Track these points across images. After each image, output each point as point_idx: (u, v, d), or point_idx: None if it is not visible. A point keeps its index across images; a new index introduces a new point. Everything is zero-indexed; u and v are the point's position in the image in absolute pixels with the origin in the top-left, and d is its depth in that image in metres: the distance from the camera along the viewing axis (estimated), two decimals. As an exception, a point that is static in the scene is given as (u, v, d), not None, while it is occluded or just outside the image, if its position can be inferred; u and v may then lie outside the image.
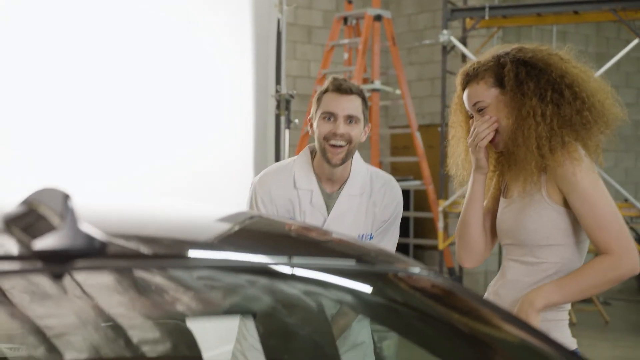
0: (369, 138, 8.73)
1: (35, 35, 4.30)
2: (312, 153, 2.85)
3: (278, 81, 6.11)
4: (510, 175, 2.53)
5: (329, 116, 2.75)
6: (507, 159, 2.52)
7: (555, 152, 2.39)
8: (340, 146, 2.73)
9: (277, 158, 5.76)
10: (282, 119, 5.77)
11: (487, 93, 2.50)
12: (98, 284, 1.14)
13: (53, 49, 4.38)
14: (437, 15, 9.56)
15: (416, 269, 1.46)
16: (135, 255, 1.17)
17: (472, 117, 2.56)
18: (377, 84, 8.61)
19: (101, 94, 4.69)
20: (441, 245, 8.34)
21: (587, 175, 2.37)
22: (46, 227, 1.10)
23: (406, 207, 9.62)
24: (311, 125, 2.83)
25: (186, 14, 5.30)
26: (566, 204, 2.41)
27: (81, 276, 1.12)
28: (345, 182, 2.82)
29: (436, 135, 9.00)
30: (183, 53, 5.22)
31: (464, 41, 8.43)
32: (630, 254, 2.32)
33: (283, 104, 5.74)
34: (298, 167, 2.82)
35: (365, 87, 8.62)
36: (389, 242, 2.90)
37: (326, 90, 2.79)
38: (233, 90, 5.52)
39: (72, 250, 1.09)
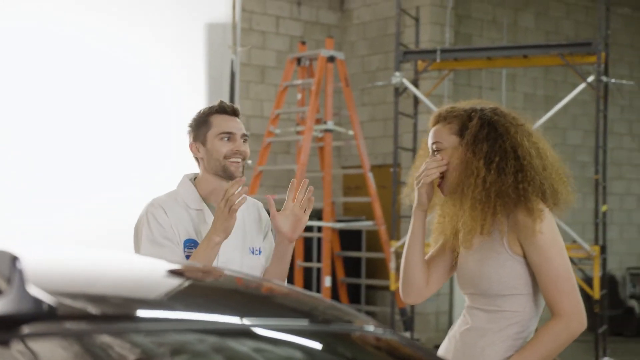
0: (322, 178, 8.73)
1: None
2: (192, 180, 2.99)
3: (231, 122, 6.09)
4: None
5: (227, 136, 2.91)
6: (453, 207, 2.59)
7: (486, 220, 2.44)
8: (238, 162, 2.91)
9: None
10: (235, 159, 5.74)
11: (448, 138, 2.57)
12: (48, 349, 1.11)
13: None
14: (389, 57, 9.66)
15: (370, 327, 1.46)
16: (86, 317, 1.14)
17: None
18: (330, 125, 8.64)
19: (49, 140, 4.64)
20: (393, 285, 8.34)
21: (547, 231, 2.43)
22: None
23: (358, 247, 9.61)
24: (197, 150, 2.96)
25: (138, 53, 5.27)
26: (526, 255, 2.46)
27: (29, 342, 1.09)
28: None
29: (388, 176, 9.04)
30: (134, 93, 5.19)
31: (415, 83, 8.52)
32: (579, 314, 2.43)
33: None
34: (184, 192, 2.94)
35: (318, 128, 8.65)
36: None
37: (211, 113, 2.95)
38: (185, 131, 5.49)
39: (19, 315, 1.06)
